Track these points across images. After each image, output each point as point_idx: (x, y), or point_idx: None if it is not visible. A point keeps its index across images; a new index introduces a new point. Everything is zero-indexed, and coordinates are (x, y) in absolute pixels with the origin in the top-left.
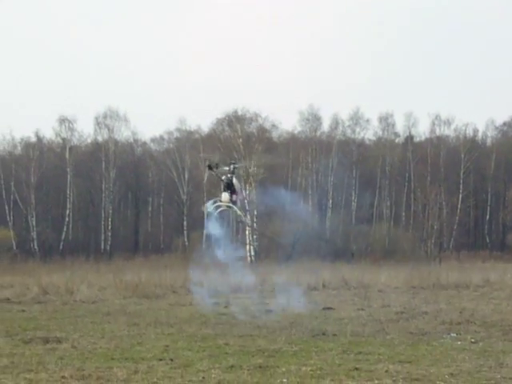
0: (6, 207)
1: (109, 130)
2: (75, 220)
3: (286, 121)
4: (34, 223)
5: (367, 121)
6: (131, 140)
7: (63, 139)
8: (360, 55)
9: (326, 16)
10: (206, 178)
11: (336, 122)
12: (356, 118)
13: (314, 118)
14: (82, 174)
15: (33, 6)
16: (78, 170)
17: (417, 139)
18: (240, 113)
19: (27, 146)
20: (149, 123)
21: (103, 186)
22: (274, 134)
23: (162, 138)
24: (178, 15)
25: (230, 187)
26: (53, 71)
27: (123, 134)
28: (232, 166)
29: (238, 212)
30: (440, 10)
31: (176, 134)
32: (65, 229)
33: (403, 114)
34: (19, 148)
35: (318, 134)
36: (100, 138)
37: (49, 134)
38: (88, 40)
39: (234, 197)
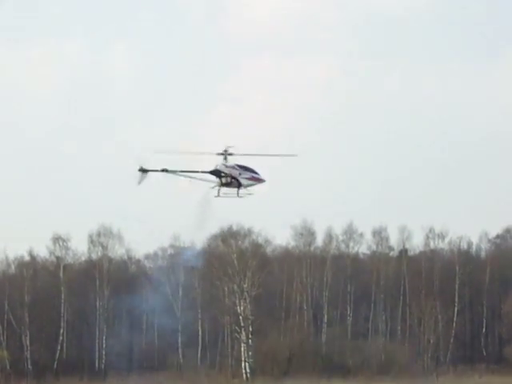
0: (0, 327)
1: (103, 247)
2: (69, 339)
3: (279, 235)
4: (27, 342)
5: (361, 235)
6: (125, 257)
7: (57, 258)
8: (352, 169)
9: (315, 131)
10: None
11: (330, 237)
12: (350, 232)
13: (308, 233)
14: (76, 292)
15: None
16: (72, 288)
17: (411, 252)
18: (234, 228)
19: (21, 265)
20: (143, 239)
21: (97, 303)
22: (268, 249)
23: (156, 254)
24: None
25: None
26: (46, 189)
27: (117, 251)
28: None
29: None
30: (435, 125)
31: (170, 251)
32: (59, 348)
33: (397, 228)
34: (13, 267)
35: (312, 248)
36: (94, 256)
37: (43, 252)
38: (81, 157)
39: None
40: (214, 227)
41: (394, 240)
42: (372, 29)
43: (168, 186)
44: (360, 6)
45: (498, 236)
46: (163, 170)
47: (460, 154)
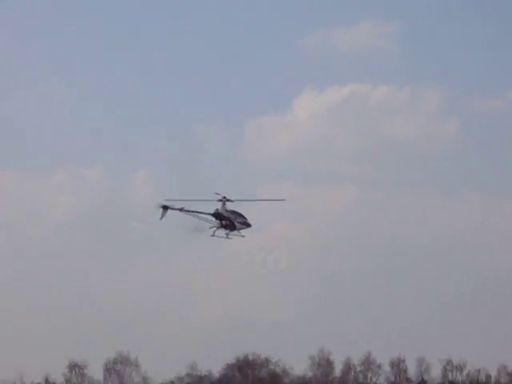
0: None
1: (119, 376)
2: None
3: (297, 366)
4: None
5: (379, 366)
6: None
7: None
8: (370, 299)
9: (332, 261)
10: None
11: (348, 367)
12: (368, 363)
13: (326, 363)
14: None
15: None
16: None
17: None
18: (251, 358)
19: None
20: (160, 367)
21: None
22: (286, 380)
23: (172, 383)
24: None
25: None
26: (62, 316)
27: (134, 379)
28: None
29: None
30: (453, 256)
31: (187, 380)
32: None
33: (415, 359)
34: None
35: (330, 378)
36: None
37: (59, 379)
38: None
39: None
40: (230, 356)
41: (413, 371)
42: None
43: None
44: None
45: None
46: (180, 209)
47: (478, 286)
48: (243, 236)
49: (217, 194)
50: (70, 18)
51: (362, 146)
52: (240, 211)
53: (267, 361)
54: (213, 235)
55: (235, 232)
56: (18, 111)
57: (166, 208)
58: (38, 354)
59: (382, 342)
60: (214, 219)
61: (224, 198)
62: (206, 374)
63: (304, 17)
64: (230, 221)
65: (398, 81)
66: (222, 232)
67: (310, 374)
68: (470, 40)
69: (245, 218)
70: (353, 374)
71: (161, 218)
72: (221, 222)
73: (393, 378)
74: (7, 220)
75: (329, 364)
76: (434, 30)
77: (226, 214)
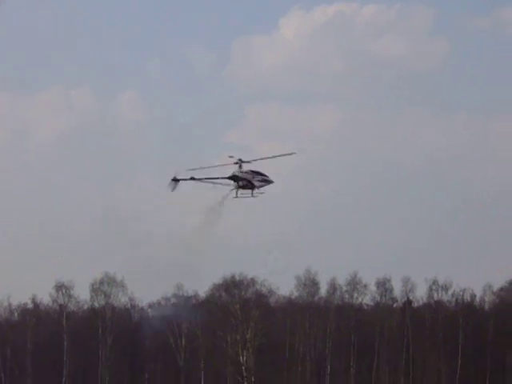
0: (2, 374)
1: (106, 296)
2: None
3: (282, 286)
4: None
5: (365, 286)
6: (128, 306)
7: (60, 305)
8: (356, 220)
9: (321, 181)
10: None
11: (334, 287)
12: (353, 284)
13: (312, 283)
14: (78, 341)
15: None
16: (74, 337)
17: (415, 304)
18: (237, 278)
19: (24, 312)
20: (146, 288)
21: (100, 352)
22: (271, 300)
23: (159, 303)
24: None
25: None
26: (49, 237)
27: (120, 300)
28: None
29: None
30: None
31: (173, 300)
32: None
33: (401, 279)
34: (16, 315)
35: (316, 299)
36: (97, 304)
37: (46, 300)
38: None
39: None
40: (216, 277)
41: (398, 291)
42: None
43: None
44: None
45: (501, 288)
46: (191, 178)
47: (465, 206)
48: (263, 193)
49: (230, 157)
50: None
51: (350, 65)
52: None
53: (253, 281)
54: (236, 196)
55: (256, 190)
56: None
57: (176, 180)
58: (24, 275)
59: (368, 262)
60: (232, 182)
61: (239, 160)
62: (193, 294)
63: None
64: (248, 181)
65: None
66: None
67: (295, 293)
68: None
69: (264, 175)
70: (338, 293)
71: (172, 191)
72: (238, 184)
73: (378, 298)
74: None
75: (314, 284)
76: None
77: (243, 175)
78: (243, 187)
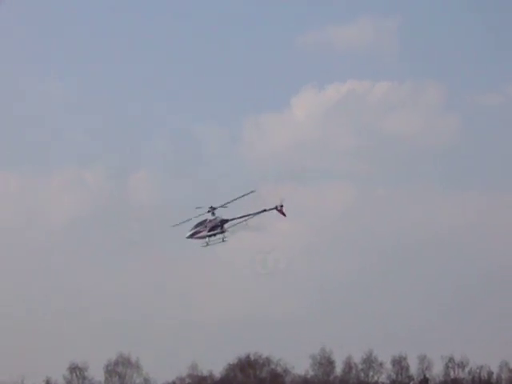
0: None
1: (120, 377)
2: None
3: (298, 365)
4: None
5: (380, 364)
6: None
7: None
8: (371, 297)
9: (334, 257)
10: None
11: (349, 366)
12: (369, 362)
13: (327, 362)
14: None
15: None
16: None
17: (431, 382)
18: (252, 357)
19: None
20: (161, 369)
21: None
22: (287, 379)
23: (174, 383)
24: None
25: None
26: (63, 318)
27: (135, 381)
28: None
29: None
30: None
31: (188, 380)
32: None
33: (417, 357)
34: None
35: (331, 378)
36: None
37: (60, 382)
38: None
39: None
40: (231, 356)
41: (414, 369)
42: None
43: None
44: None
45: None
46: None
47: (479, 283)
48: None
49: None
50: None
51: (362, 143)
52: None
53: (268, 360)
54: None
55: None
56: (16, 111)
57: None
58: (38, 356)
59: (384, 340)
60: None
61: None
62: (208, 374)
63: (302, 14)
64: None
65: (398, 76)
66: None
67: (311, 373)
68: (470, 35)
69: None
70: (354, 372)
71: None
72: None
73: (394, 376)
74: (7, 223)
75: (330, 363)
76: (433, 24)
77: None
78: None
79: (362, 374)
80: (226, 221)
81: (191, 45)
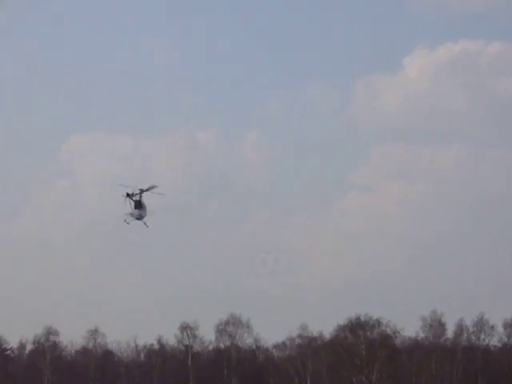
0: None
1: (231, 336)
2: None
3: (408, 327)
4: None
5: (492, 327)
6: (253, 347)
7: (185, 346)
8: (483, 259)
9: (448, 222)
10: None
11: (460, 329)
12: (481, 325)
13: (438, 324)
14: (204, 381)
15: None
16: (200, 377)
17: None
18: (362, 319)
19: (150, 353)
20: (271, 329)
21: None
22: (397, 341)
23: (284, 344)
24: None
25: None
26: (175, 276)
27: (245, 340)
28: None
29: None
30: None
31: (298, 341)
32: None
33: None
34: (142, 355)
35: (442, 340)
36: (222, 345)
37: (171, 340)
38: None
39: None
40: (342, 318)
41: None
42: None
43: None
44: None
45: None
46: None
47: None
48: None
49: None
50: None
51: (474, 104)
52: None
53: (379, 322)
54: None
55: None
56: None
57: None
58: (150, 316)
59: (495, 302)
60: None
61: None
62: (318, 335)
63: None
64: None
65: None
66: None
67: (421, 335)
68: None
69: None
70: (465, 335)
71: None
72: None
73: (506, 340)
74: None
75: (441, 325)
76: None
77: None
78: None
79: (473, 337)
80: None
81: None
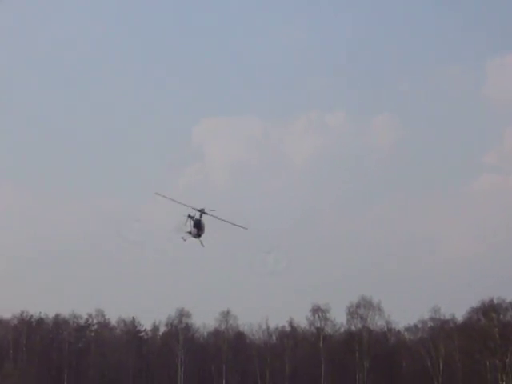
0: None
1: (362, 319)
2: None
3: None
4: None
5: None
6: (385, 329)
7: (317, 328)
8: None
9: None
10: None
11: None
12: None
13: None
14: (335, 364)
15: None
16: (331, 360)
17: None
18: (495, 301)
19: (282, 335)
20: (402, 312)
21: (357, 376)
22: None
23: (416, 326)
24: None
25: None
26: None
27: (377, 323)
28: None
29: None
30: None
31: (430, 324)
32: None
33: None
34: (274, 337)
35: None
36: (353, 328)
37: (303, 323)
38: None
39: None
40: (474, 300)
41: None
42: None
43: None
44: None
45: None
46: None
47: None
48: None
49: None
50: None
51: None
52: None
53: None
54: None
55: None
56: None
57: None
58: (281, 298)
59: None
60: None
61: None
62: (450, 317)
63: None
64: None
65: None
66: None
67: None
68: None
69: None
70: None
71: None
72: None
73: None
74: (254, 164)
75: None
76: None
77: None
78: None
79: None
80: None
81: None
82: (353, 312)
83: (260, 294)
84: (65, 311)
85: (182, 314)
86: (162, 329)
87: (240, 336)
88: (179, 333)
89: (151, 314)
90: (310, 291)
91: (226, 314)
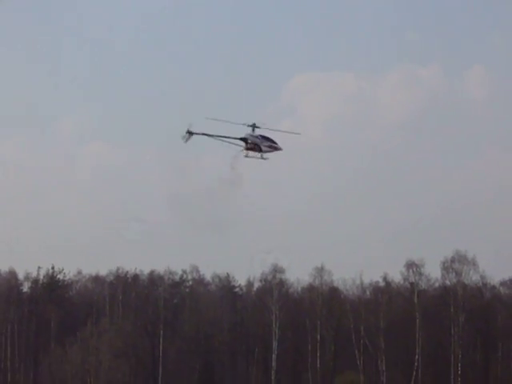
0: (356, 351)
1: (457, 274)
2: (424, 365)
3: None
4: (383, 367)
5: None
6: (480, 284)
7: (411, 284)
8: None
9: None
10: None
11: None
12: None
13: None
14: (430, 319)
15: None
16: (426, 315)
17: None
18: None
19: (376, 290)
20: (498, 266)
21: (452, 330)
22: None
23: (511, 281)
24: None
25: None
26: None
27: (472, 278)
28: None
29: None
30: None
31: None
32: (414, 374)
33: None
34: (368, 292)
35: None
36: (448, 283)
37: (397, 278)
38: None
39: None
40: None
41: None
42: None
43: None
44: None
45: None
46: (203, 134)
47: None
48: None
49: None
50: None
51: None
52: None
53: None
54: (246, 156)
55: (263, 155)
56: None
57: (190, 133)
58: (375, 252)
59: None
60: (242, 143)
61: (254, 124)
62: None
63: None
64: (256, 144)
65: None
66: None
67: None
68: None
69: (273, 141)
70: None
71: (185, 142)
72: (247, 145)
73: None
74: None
75: None
76: None
77: (252, 138)
78: (252, 149)
79: None
80: None
81: None
82: (447, 267)
83: (355, 248)
84: (160, 267)
85: (276, 270)
86: (257, 284)
87: (334, 291)
88: (273, 288)
89: (245, 269)
90: (404, 245)
91: (320, 270)
